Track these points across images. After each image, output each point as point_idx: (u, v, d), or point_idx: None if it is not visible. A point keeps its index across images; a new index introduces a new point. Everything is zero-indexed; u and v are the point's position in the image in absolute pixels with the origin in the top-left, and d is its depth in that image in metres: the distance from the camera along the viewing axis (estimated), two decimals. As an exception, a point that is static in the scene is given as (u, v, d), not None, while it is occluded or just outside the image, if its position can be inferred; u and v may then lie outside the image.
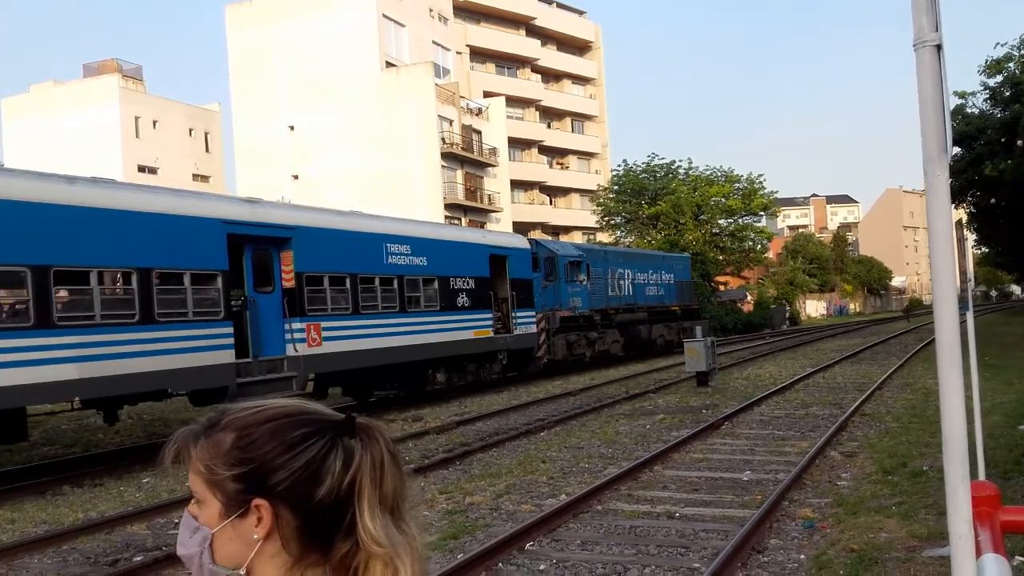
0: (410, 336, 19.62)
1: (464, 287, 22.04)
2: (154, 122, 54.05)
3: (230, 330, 14.76)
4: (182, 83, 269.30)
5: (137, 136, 52.78)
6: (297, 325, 16.23)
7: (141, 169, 51.47)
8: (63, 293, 12.34)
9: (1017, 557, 6.10)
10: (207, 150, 58.48)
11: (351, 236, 18.27)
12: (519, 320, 24.31)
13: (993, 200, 39.41)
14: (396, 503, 1.19)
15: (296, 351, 16.12)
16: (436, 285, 20.86)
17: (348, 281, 17.79)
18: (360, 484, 1.15)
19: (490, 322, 23.13)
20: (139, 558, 7.92)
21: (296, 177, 48.53)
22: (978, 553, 2.77)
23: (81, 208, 12.52)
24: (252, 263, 15.77)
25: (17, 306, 11.75)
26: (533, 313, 25.30)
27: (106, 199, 13.08)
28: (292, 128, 49.40)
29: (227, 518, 1.15)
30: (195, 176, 55.57)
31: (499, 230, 44.24)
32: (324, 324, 16.92)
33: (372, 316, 18.44)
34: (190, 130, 57.09)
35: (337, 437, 1.17)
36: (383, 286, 18.93)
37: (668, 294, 36.59)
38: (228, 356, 14.66)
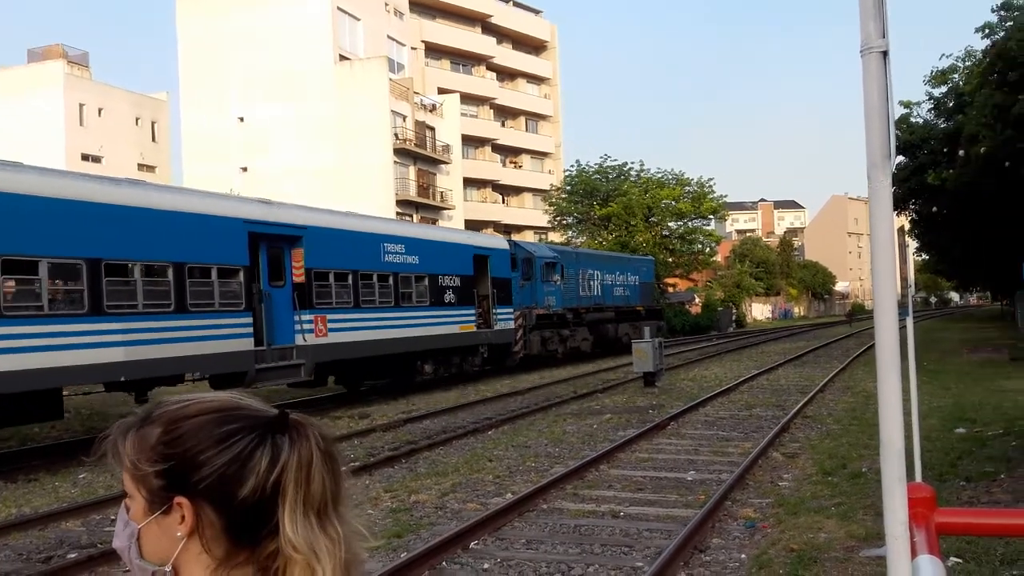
0: (403, 329, 21.11)
1: (451, 284, 23.57)
2: (99, 110, 52.78)
3: (250, 320, 16.31)
4: (130, 71, 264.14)
5: (81, 124, 51.49)
6: (306, 317, 17.73)
7: (85, 158, 50.20)
8: (111, 283, 13.59)
9: (952, 558, 6.25)
10: (154, 140, 57.27)
11: (354, 236, 19.81)
12: (499, 316, 25.99)
13: (935, 208, 40.40)
14: (324, 504, 1.14)
15: (305, 340, 17.59)
16: (426, 282, 22.42)
17: (350, 277, 19.31)
18: (284, 484, 1.11)
19: (473, 318, 24.58)
20: (73, 555, 7.73)
21: (245, 169, 47.79)
22: (914, 554, 2.81)
23: (126, 207, 13.95)
24: (267, 259, 17.23)
25: (73, 294, 13.10)
26: (512, 310, 26.87)
27: (147, 199, 14.66)
28: (242, 120, 48.63)
29: (151, 514, 1.12)
30: (140, 166, 54.38)
31: (451, 227, 44.14)
32: (329, 316, 18.46)
33: (371, 310, 19.95)
34: (137, 119, 55.88)
35: (266, 434, 1.13)
36: (380, 282, 20.49)
37: (633, 295, 38.41)
38: (248, 344, 16.17)
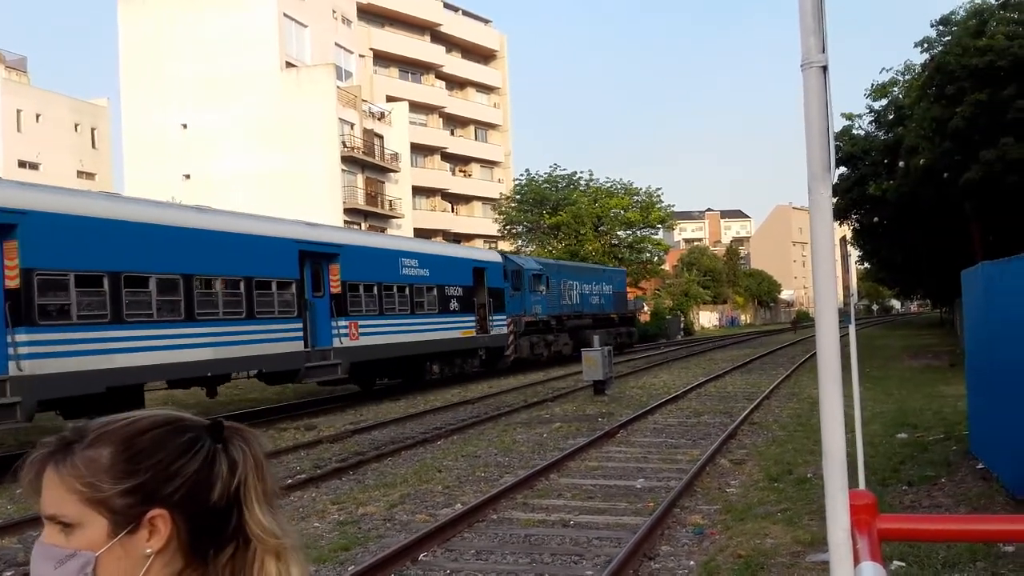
0: (417, 333, 24.13)
1: (455, 294, 26.48)
2: (37, 115, 51.45)
3: (301, 325, 19.26)
4: (69, 77, 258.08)
5: (19, 130, 50.14)
6: (342, 323, 20.64)
7: (22, 164, 48.87)
8: (201, 295, 16.54)
9: (895, 562, 6.35)
10: (94, 146, 56.01)
11: (379, 252, 23.16)
12: (494, 323, 28.92)
13: (876, 218, 41.31)
14: (272, 498, 1.20)
15: (341, 343, 20.54)
16: (435, 292, 25.35)
17: (376, 288, 22.32)
18: (247, 483, 1.16)
19: (474, 324, 27.53)
20: (9, 573, 7.49)
21: (188, 176, 47.00)
22: (856, 560, 2.84)
23: (210, 231, 16.98)
24: (311, 273, 20.11)
25: (173, 304, 15.91)
26: (505, 317, 29.70)
27: (226, 224, 17.72)
28: (185, 126, 47.84)
29: (115, 536, 1.09)
30: (80, 173, 53.14)
31: (401, 235, 43.91)
32: (360, 322, 21.40)
33: (392, 317, 23.03)
34: (76, 125, 54.60)
35: (216, 441, 1.17)
36: (399, 293, 23.54)
37: (607, 303, 41.12)
38: (299, 346, 19.15)
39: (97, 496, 1.09)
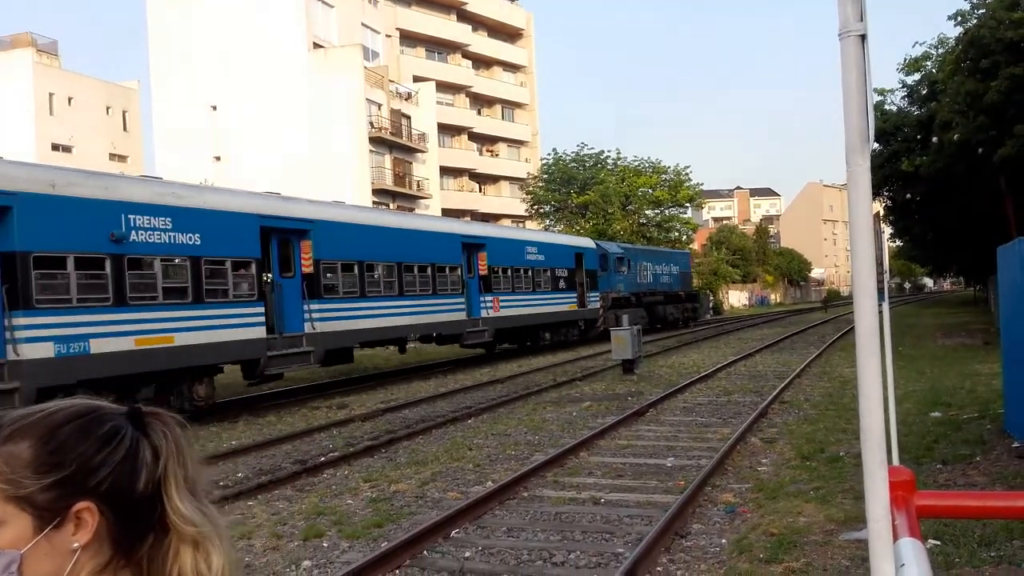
0: (537, 307, 30.03)
1: (562, 275, 32.26)
2: (69, 99, 52.00)
3: (464, 300, 25.50)
4: (100, 60, 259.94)
5: (51, 113, 50.70)
6: (488, 298, 26.74)
7: (55, 147, 49.48)
8: (407, 278, 22.69)
9: (931, 540, 6.30)
10: (125, 129, 56.54)
11: (512, 242, 29.40)
12: (590, 299, 34.55)
13: (909, 195, 40.76)
14: (195, 486, 1.17)
15: (487, 314, 26.56)
16: (548, 274, 31.05)
17: (510, 271, 28.19)
18: (167, 471, 1.14)
19: (575, 299, 33.31)
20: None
21: (218, 159, 47.33)
22: (895, 537, 2.82)
23: (412, 231, 23.72)
24: (467, 258, 26.07)
25: (389, 284, 21.93)
26: (597, 294, 35.40)
27: (419, 224, 24.47)
28: (215, 108, 48.11)
29: (41, 532, 1.06)
30: (112, 156, 53.69)
31: (428, 214, 44.01)
32: (501, 298, 27.36)
33: (521, 294, 28.95)
34: (107, 108, 55.11)
35: (137, 428, 1.15)
36: (524, 274, 29.23)
37: (675, 282, 46.51)
38: (464, 315, 25.37)
39: (19, 493, 1.06)
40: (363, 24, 53.01)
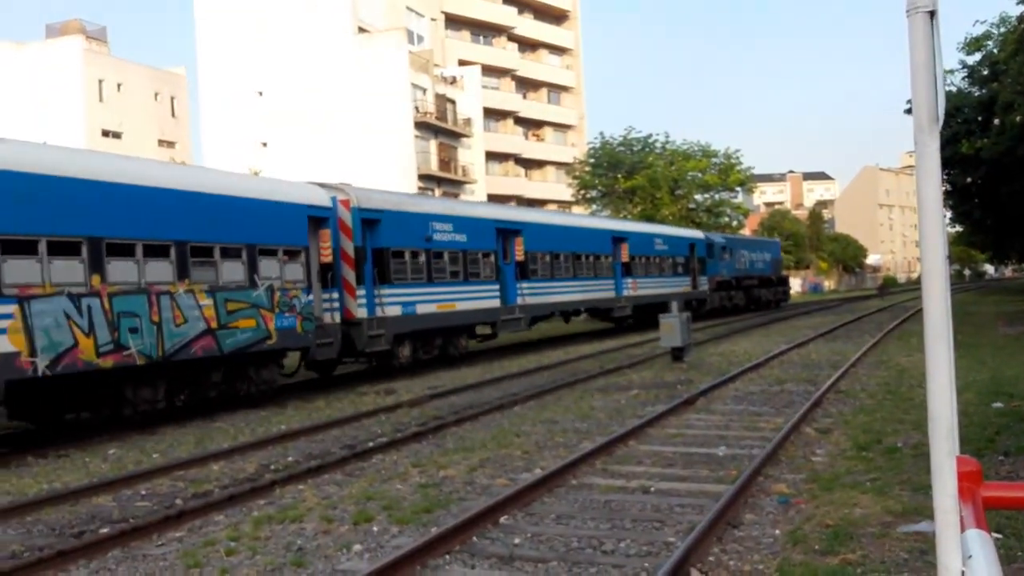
0: (663, 288, 35.50)
1: (680, 262, 38.27)
2: (118, 85, 52.86)
3: (613, 282, 31.90)
4: (148, 46, 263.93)
5: (101, 100, 51.60)
6: (628, 280, 32.73)
7: (105, 134, 50.38)
8: (576, 264, 29.40)
9: (995, 534, 6.09)
10: (173, 115, 57.39)
11: (644, 235, 35.45)
12: (700, 282, 40.27)
13: (969, 179, 39.72)
14: None
15: (628, 293, 32.63)
16: (670, 260, 37.12)
17: (643, 259, 34.23)
18: None
19: (689, 282, 39.14)
20: (105, 530, 7.76)
21: (265, 144, 47.83)
22: (962, 528, 2.69)
23: (571, 227, 30.40)
24: (615, 248, 32.21)
25: (567, 267, 28.68)
26: (706, 278, 40.98)
27: (578, 222, 32.39)
28: (261, 94, 48.60)
29: None
30: (160, 142, 54.55)
31: (473, 200, 44.06)
32: (637, 280, 33.43)
33: (651, 277, 35.11)
34: (155, 94, 55.94)
35: None
36: (653, 261, 35.52)
37: (767, 268, 52.47)
38: (612, 294, 31.68)
39: None
40: (408, 8, 53.08)
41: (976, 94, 35.60)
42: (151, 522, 7.79)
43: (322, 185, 19.00)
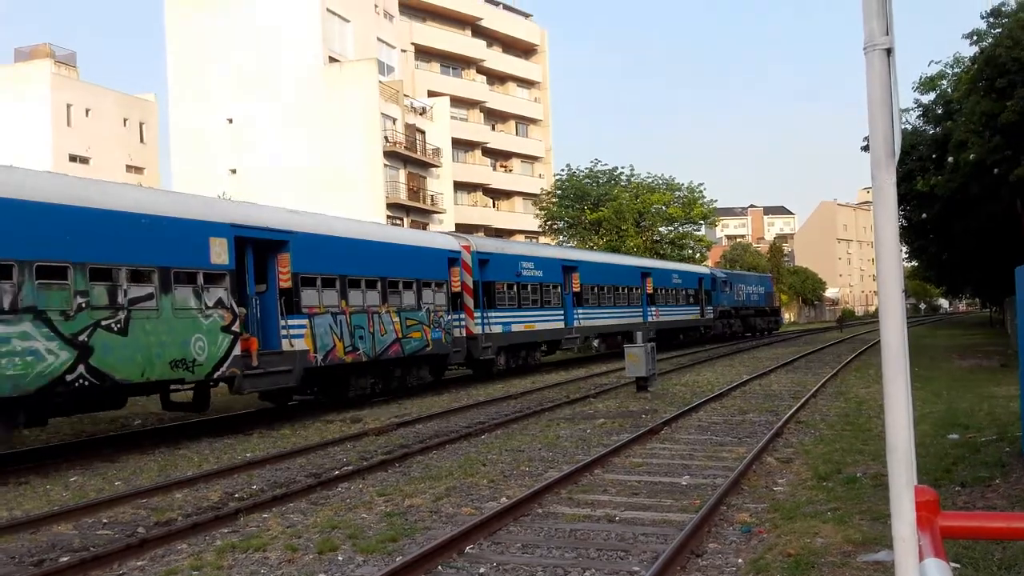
0: (677, 316, 42.71)
1: (691, 293, 45.01)
2: (87, 110, 52.47)
3: (641, 310, 37.77)
4: (118, 71, 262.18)
5: (69, 124, 51.17)
6: (652, 309, 38.95)
7: (72, 158, 49.90)
8: (615, 296, 35.61)
9: (952, 564, 6.24)
10: (142, 140, 57.00)
11: (664, 271, 42.04)
12: (707, 311, 47.00)
13: (924, 215, 40.52)
14: None
15: (651, 320, 38.48)
16: (683, 292, 43.64)
17: (664, 290, 41.07)
18: None
19: (699, 311, 45.95)
20: (65, 558, 7.66)
21: (234, 171, 47.62)
22: (920, 557, 2.81)
23: (611, 264, 37.03)
24: (644, 282, 38.28)
25: (610, 298, 34.42)
26: (712, 307, 47.82)
27: (615, 259, 38.90)
28: (231, 121, 48.46)
29: None
30: (128, 167, 54.11)
31: (441, 231, 44.11)
32: (659, 309, 40.11)
33: (668, 306, 41.29)
34: (124, 120, 55.58)
35: None
36: (671, 292, 41.99)
37: (761, 299, 59.17)
38: (640, 320, 37.04)
39: None
40: (379, 39, 53.38)
41: (931, 132, 36.47)
42: (113, 551, 7.70)
43: (454, 235, 27.10)
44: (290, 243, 17.26)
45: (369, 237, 20.72)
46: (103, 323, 13.00)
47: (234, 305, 15.65)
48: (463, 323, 24.38)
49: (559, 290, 30.40)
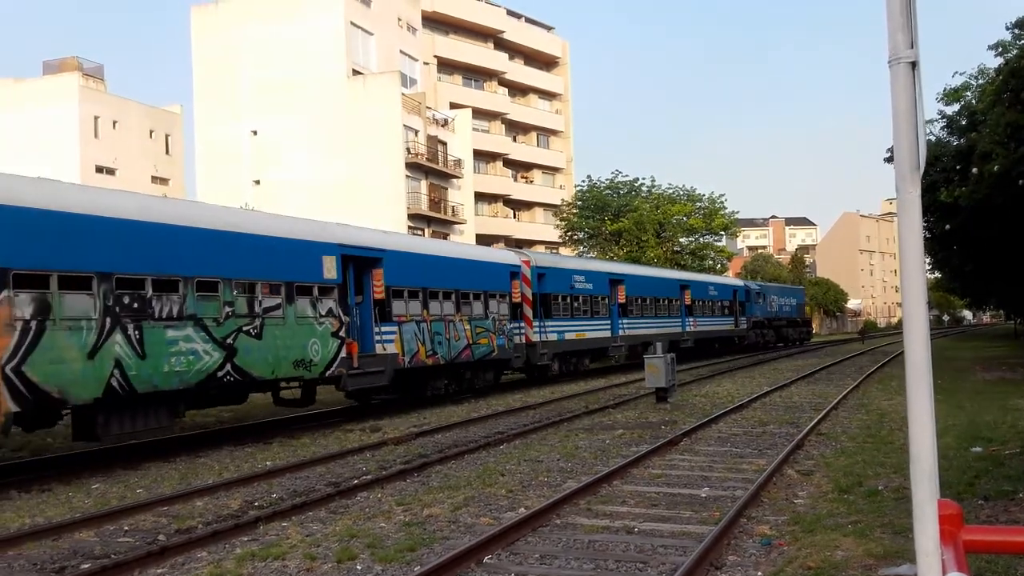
0: (715, 326, 45.29)
1: (727, 304, 47.27)
2: (114, 122, 53.15)
3: (680, 320, 40.10)
4: (144, 84, 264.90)
5: (96, 136, 51.85)
6: (689, 319, 40.99)
7: (99, 170, 50.56)
8: (652, 306, 37.78)
9: (972, 577, 6.16)
10: (167, 152, 57.63)
11: (704, 283, 44.56)
12: (740, 322, 49.02)
13: (948, 226, 40.11)
14: None
15: (690, 330, 40.84)
16: (720, 303, 46.01)
17: (702, 302, 43.29)
18: None
19: (732, 321, 47.83)
20: (86, 566, 7.72)
21: (258, 182, 48.01)
22: (943, 571, 2.77)
23: (647, 278, 38.29)
24: (683, 295, 40.58)
25: (643, 309, 36.46)
26: (745, 318, 49.80)
27: (659, 272, 41.93)
28: (255, 133, 48.88)
29: None
30: (154, 179, 54.71)
31: (463, 242, 44.20)
32: (698, 320, 42.24)
33: (705, 317, 43.71)
34: (150, 132, 56.25)
35: None
36: (709, 304, 44.30)
37: (793, 311, 60.95)
38: (679, 329, 39.83)
39: None
40: (402, 51, 53.69)
41: (955, 143, 36.17)
42: (133, 558, 7.76)
43: (515, 251, 29.81)
44: (383, 260, 19.60)
45: (445, 254, 23.49)
46: (244, 329, 15.27)
47: (341, 314, 17.89)
48: (523, 331, 26.60)
49: (607, 301, 32.57)
